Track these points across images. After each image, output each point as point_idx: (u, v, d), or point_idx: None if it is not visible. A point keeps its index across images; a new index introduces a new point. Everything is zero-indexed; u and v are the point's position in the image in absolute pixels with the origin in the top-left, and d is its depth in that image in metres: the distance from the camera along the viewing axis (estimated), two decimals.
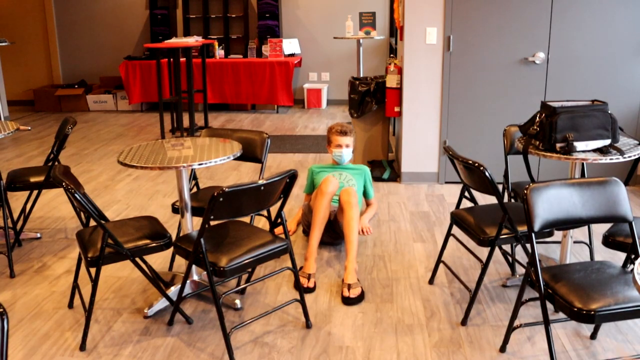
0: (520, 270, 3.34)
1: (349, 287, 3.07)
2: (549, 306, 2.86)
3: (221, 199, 2.36)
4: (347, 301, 3.03)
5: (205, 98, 7.44)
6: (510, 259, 3.33)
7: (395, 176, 5.16)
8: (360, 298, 3.05)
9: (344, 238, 3.37)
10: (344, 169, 3.92)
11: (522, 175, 4.82)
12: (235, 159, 2.98)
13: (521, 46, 4.67)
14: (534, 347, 2.61)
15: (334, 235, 3.71)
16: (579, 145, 2.75)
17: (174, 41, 7.10)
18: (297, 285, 2.82)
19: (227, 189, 2.34)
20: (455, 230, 3.96)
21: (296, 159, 5.90)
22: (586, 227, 3.63)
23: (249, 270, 3.14)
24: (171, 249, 3.66)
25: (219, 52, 8.64)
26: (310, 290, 3.18)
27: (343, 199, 3.40)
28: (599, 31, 4.58)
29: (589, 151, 2.77)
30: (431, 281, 3.24)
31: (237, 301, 3.00)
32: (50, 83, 9.49)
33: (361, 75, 6.39)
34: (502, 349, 2.58)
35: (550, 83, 4.72)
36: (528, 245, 3.14)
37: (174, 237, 3.70)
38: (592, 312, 2.03)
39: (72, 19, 9.29)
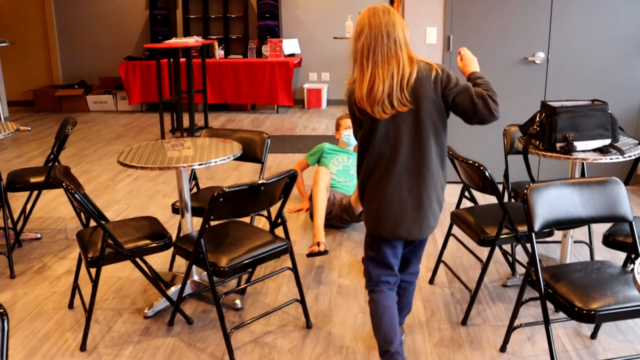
0: (521, 270, 3.34)
1: None
2: (549, 306, 2.86)
3: (221, 199, 2.36)
4: None
5: (205, 98, 7.44)
6: (510, 258, 3.33)
7: None
8: None
9: None
10: (352, 154, 4.24)
11: (522, 175, 4.82)
12: (235, 159, 2.98)
13: (521, 46, 4.67)
14: (535, 346, 2.61)
15: (344, 220, 3.97)
16: (579, 145, 2.75)
17: (174, 41, 7.10)
18: (298, 284, 2.81)
19: (227, 189, 2.34)
20: (456, 230, 3.96)
21: (296, 159, 5.89)
22: (586, 226, 3.63)
23: (249, 270, 3.14)
24: (171, 249, 3.66)
25: (219, 52, 8.64)
26: (323, 253, 3.49)
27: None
28: (599, 31, 4.58)
29: (589, 151, 2.77)
30: (431, 281, 3.24)
31: (238, 301, 3.00)
32: (50, 83, 9.49)
33: None
34: (503, 349, 2.58)
35: (550, 83, 4.71)
36: (528, 245, 3.14)
37: (174, 238, 3.70)
38: (593, 312, 2.03)
39: (72, 19, 9.29)
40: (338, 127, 4.25)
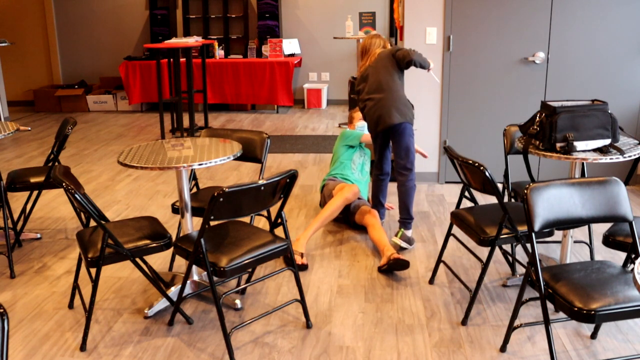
0: (521, 270, 3.34)
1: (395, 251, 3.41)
2: (549, 306, 2.86)
3: (221, 199, 2.36)
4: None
5: (205, 98, 7.45)
6: (510, 258, 3.32)
7: None
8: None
9: (373, 241, 3.61)
10: (365, 151, 4.34)
11: (522, 175, 4.82)
12: (235, 159, 2.98)
13: (521, 46, 4.67)
14: (535, 346, 2.61)
15: (350, 224, 3.99)
16: (579, 145, 2.75)
17: (174, 41, 7.11)
18: (298, 284, 2.81)
19: (227, 189, 2.34)
20: (456, 230, 3.96)
21: (296, 159, 5.90)
22: (586, 226, 3.63)
23: (249, 270, 3.14)
24: (171, 249, 3.66)
25: (219, 52, 8.64)
26: (304, 267, 3.40)
27: (366, 219, 3.77)
28: (599, 31, 4.58)
29: (589, 151, 2.77)
30: (431, 281, 3.24)
31: (238, 301, 3.00)
32: (50, 83, 9.50)
33: None
34: (503, 349, 2.58)
35: (550, 83, 4.72)
36: (528, 245, 3.14)
37: (174, 238, 3.70)
38: (593, 312, 2.03)
39: (72, 19, 9.29)
40: (351, 119, 4.38)
